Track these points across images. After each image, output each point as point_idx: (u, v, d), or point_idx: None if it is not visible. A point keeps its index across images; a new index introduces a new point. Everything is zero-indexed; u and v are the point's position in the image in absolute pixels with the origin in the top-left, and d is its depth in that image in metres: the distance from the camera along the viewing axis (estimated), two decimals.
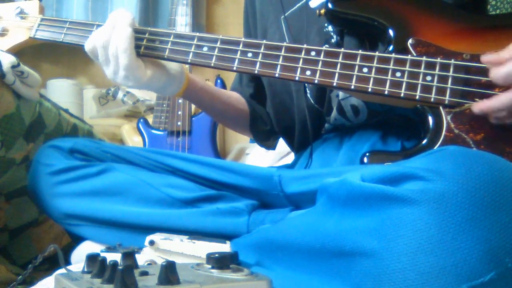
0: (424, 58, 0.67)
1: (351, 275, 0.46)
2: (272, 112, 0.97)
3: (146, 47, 0.79)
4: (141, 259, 0.65)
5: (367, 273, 0.44)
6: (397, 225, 0.43)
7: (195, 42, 0.77)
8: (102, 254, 0.51)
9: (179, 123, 1.79)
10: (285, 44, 0.73)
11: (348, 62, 0.69)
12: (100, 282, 0.41)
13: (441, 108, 0.66)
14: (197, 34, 0.78)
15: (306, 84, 0.85)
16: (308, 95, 0.86)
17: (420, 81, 0.67)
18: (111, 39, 0.75)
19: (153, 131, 1.84)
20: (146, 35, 0.79)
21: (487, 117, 0.63)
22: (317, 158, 0.84)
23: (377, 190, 0.46)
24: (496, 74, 0.62)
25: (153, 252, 0.66)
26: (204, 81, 0.96)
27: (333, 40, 0.82)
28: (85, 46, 0.79)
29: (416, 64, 0.67)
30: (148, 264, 0.63)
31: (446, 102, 0.66)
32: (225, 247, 0.64)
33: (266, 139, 1.08)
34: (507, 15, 0.84)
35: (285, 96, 0.91)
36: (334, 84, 0.70)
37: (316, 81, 0.70)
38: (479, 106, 0.63)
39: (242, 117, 1.04)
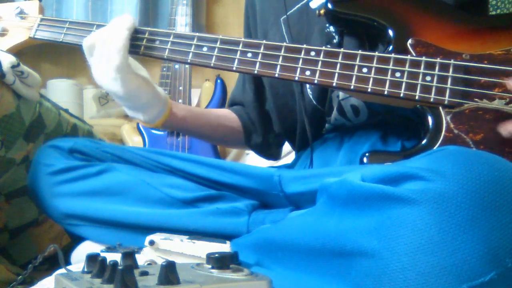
0: (423, 58, 0.67)
1: (351, 275, 0.46)
2: (275, 113, 0.97)
3: (145, 47, 0.79)
4: (141, 259, 0.65)
5: (367, 273, 0.44)
6: (397, 225, 0.43)
7: (195, 42, 0.77)
8: (102, 254, 0.51)
9: None
10: (284, 44, 0.73)
11: (348, 62, 0.69)
12: (100, 282, 0.41)
13: (440, 108, 0.66)
14: (197, 34, 0.78)
15: (308, 85, 0.85)
16: (310, 96, 0.86)
17: (419, 81, 0.67)
18: (108, 39, 0.76)
19: (153, 131, 1.84)
20: (146, 35, 0.79)
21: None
22: (317, 158, 0.85)
23: (377, 190, 0.46)
24: None
25: (153, 252, 0.66)
26: (188, 110, 0.93)
27: (335, 41, 0.82)
28: (84, 40, 0.78)
29: (415, 64, 0.67)
30: (148, 264, 0.63)
31: (446, 102, 0.66)
32: (225, 247, 0.64)
33: (265, 150, 1.06)
34: (507, 16, 0.84)
35: (288, 97, 0.91)
36: (334, 84, 0.70)
37: (315, 81, 0.70)
38: (508, 128, 0.62)
39: (234, 134, 1.03)
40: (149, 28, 0.79)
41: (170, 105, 0.87)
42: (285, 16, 0.88)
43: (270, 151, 1.07)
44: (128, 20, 0.77)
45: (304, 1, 0.87)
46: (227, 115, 1.03)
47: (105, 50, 0.75)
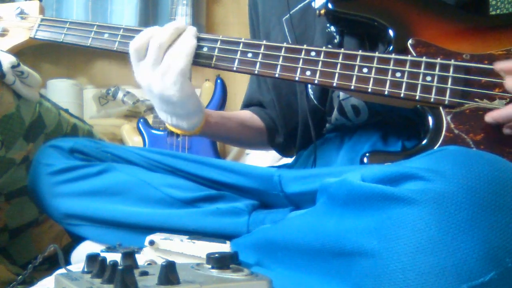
0: (424, 59, 0.67)
1: (351, 275, 0.46)
2: (280, 114, 0.97)
3: None
4: (141, 259, 0.65)
5: (367, 273, 0.44)
6: (397, 225, 0.43)
7: None
8: (102, 254, 0.51)
9: None
10: (285, 44, 0.73)
11: (348, 62, 0.69)
12: (100, 282, 0.41)
13: (441, 108, 0.66)
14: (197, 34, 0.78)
15: (309, 85, 0.85)
16: (311, 96, 0.86)
17: (420, 82, 0.67)
18: (176, 42, 0.74)
19: (153, 131, 1.84)
20: None
21: (501, 127, 0.63)
22: (318, 158, 0.85)
23: (377, 190, 0.46)
24: (510, 83, 0.62)
25: (153, 252, 0.66)
26: (218, 114, 0.92)
27: (335, 40, 0.82)
28: (132, 43, 0.75)
29: (416, 64, 0.67)
30: (148, 264, 0.63)
31: (446, 102, 0.66)
32: (225, 247, 0.64)
33: (287, 149, 1.06)
34: (507, 15, 0.84)
35: (291, 98, 0.91)
36: (334, 84, 0.70)
37: (316, 82, 0.70)
38: (491, 114, 0.63)
39: (257, 136, 1.02)
40: None
41: (206, 113, 0.85)
42: (287, 16, 0.88)
43: (290, 149, 1.07)
44: (195, 29, 0.76)
45: (306, 1, 0.87)
46: (251, 117, 1.02)
47: (171, 51, 0.73)
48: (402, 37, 0.71)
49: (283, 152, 1.07)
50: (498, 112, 0.62)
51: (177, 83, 0.73)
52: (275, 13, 0.92)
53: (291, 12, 0.88)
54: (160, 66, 0.73)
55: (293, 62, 0.72)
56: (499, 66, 0.64)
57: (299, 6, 0.88)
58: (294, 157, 0.98)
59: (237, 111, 1.04)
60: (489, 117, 0.63)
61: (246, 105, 1.07)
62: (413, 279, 0.41)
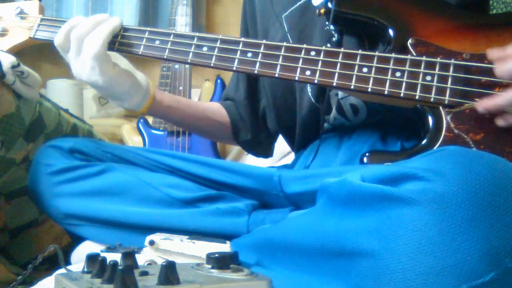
0: (424, 58, 0.67)
1: (351, 275, 0.46)
2: (274, 112, 0.97)
3: (145, 46, 0.79)
4: (141, 259, 0.65)
5: (367, 273, 0.44)
6: (397, 225, 0.43)
7: (195, 42, 0.77)
8: (102, 254, 0.51)
9: None
10: (284, 44, 0.73)
11: (348, 62, 0.69)
12: (100, 282, 0.41)
13: (441, 108, 0.66)
14: (197, 34, 0.78)
15: (308, 84, 0.85)
16: (310, 94, 0.86)
17: (420, 81, 0.66)
18: (92, 31, 0.77)
19: (153, 131, 1.84)
20: (146, 35, 0.79)
21: (494, 118, 0.63)
22: (317, 158, 0.84)
23: (377, 190, 0.46)
24: (500, 69, 0.62)
25: (153, 252, 0.66)
26: (174, 99, 0.95)
27: (334, 39, 0.82)
28: (55, 38, 0.79)
29: (416, 64, 0.67)
30: (148, 264, 0.63)
31: (446, 102, 0.65)
32: (225, 247, 0.64)
33: (254, 148, 1.07)
34: (507, 14, 0.84)
35: (288, 96, 0.91)
36: (334, 84, 0.70)
37: (316, 81, 0.70)
38: (484, 104, 0.62)
39: (221, 129, 1.03)
40: (148, 28, 0.79)
41: (153, 93, 0.88)
42: (287, 13, 0.88)
43: (259, 148, 1.07)
44: (118, 19, 0.79)
45: None
46: (216, 109, 1.03)
47: (86, 40, 0.76)
48: (402, 36, 0.71)
49: (250, 150, 1.07)
50: (491, 102, 0.62)
51: (95, 68, 0.76)
52: (274, 10, 0.92)
53: (291, 10, 0.87)
54: (78, 59, 0.78)
55: (293, 62, 0.72)
56: (492, 54, 0.65)
57: (298, 3, 0.88)
58: (294, 157, 0.98)
59: (206, 102, 1.05)
60: (482, 107, 0.62)
61: (223, 99, 1.09)
62: (413, 279, 0.41)
